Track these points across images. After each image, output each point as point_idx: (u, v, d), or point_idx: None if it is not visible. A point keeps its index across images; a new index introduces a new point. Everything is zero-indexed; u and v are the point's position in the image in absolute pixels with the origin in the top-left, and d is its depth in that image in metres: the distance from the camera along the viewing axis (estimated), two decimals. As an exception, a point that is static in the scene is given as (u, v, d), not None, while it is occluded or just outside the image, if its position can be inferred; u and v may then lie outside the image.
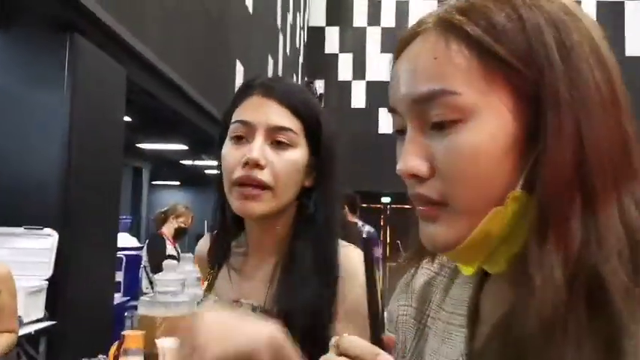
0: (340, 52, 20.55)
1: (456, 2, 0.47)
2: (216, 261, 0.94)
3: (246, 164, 0.80)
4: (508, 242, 0.46)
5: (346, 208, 4.48)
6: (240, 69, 7.27)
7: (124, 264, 5.04)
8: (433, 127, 0.46)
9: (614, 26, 19.33)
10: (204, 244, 1.00)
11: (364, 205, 14.23)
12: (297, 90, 0.87)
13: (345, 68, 20.40)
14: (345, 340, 0.45)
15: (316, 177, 0.86)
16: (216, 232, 0.94)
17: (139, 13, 3.86)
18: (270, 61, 10.06)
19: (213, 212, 0.91)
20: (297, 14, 15.17)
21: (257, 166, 0.79)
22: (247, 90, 0.87)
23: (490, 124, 0.44)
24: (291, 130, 0.82)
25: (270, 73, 10.09)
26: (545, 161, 0.43)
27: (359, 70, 20.24)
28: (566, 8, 0.46)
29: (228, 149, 0.84)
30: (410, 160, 0.46)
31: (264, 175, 0.80)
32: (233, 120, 0.85)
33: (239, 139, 0.83)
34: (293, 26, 13.96)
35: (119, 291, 4.71)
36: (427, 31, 0.47)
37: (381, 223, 13.77)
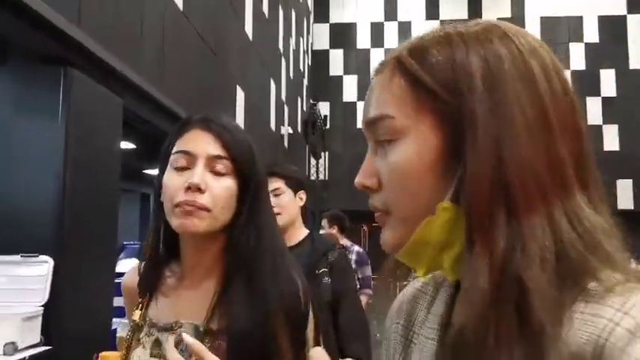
0: (345, 74, 20.78)
1: (413, 41, 0.55)
2: (148, 288, 0.98)
3: (188, 189, 0.87)
4: (448, 248, 0.50)
5: (336, 228, 4.51)
6: (241, 94, 7.41)
7: (128, 289, 5.11)
8: (379, 146, 0.54)
9: (616, 40, 19.35)
10: (132, 276, 1.03)
11: (374, 225, 14.29)
12: (229, 125, 0.95)
13: (349, 89, 20.60)
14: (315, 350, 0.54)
15: (246, 205, 0.92)
16: (147, 260, 1.00)
17: (136, 45, 3.99)
18: (273, 84, 10.22)
19: (151, 237, 0.98)
20: (301, 39, 15.40)
21: (198, 190, 0.87)
22: (187, 125, 0.96)
23: (416, 144, 0.51)
24: (227, 159, 0.91)
25: (273, 97, 10.22)
26: (465, 177, 0.47)
27: (363, 91, 20.28)
28: (505, 37, 0.51)
29: (171, 176, 0.91)
30: (361, 175, 0.55)
31: (204, 199, 0.88)
32: (175, 151, 0.94)
33: (181, 169, 0.91)
34: (296, 50, 14.16)
35: (123, 316, 4.76)
36: (386, 67, 0.56)
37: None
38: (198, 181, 0.87)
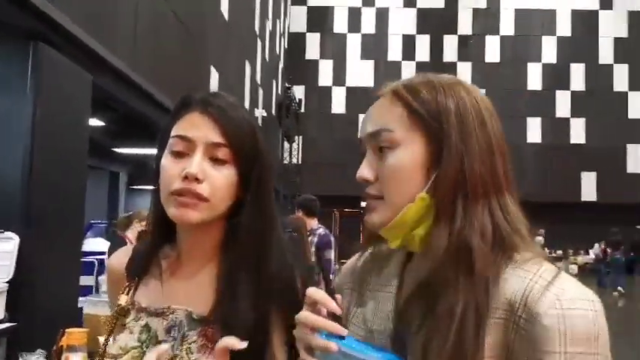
0: (321, 58, 20.70)
1: (403, 81, 0.77)
2: (138, 272, 0.93)
3: (185, 178, 0.83)
4: (420, 227, 0.72)
5: (301, 212, 4.54)
6: (215, 75, 7.35)
7: (96, 268, 5.08)
8: (379, 151, 0.74)
9: (587, 35, 19.70)
10: (120, 258, 0.98)
11: (345, 210, 14.29)
12: (232, 108, 0.89)
13: (325, 74, 20.54)
14: (309, 290, 0.70)
15: (249, 193, 0.88)
16: (142, 242, 0.97)
17: (109, 21, 3.93)
18: (248, 66, 10.15)
19: (150, 219, 0.94)
20: (277, 21, 15.27)
21: (196, 180, 0.83)
22: (186, 106, 0.89)
23: (409, 152, 0.72)
24: (226, 146, 0.85)
25: (247, 79, 10.16)
26: (440, 177, 0.70)
27: (339, 76, 20.41)
28: (466, 90, 0.75)
29: (168, 162, 0.86)
30: (364, 171, 0.75)
31: (202, 188, 0.84)
32: (173, 134, 0.87)
33: (179, 154, 0.86)
34: (272, 32, 14.05)
35: (90, 294, 4.74)
36: (385, 95, 0.77)
37: (360, 227, 13.88)
38: (195, 171, 0.82)
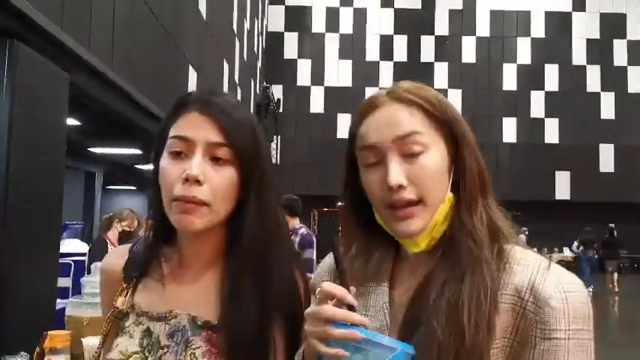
0: (299, 58, 20.68)
1: (398, 87, 0.80)
2: (134, 274, 0.91)
3: (186, 180, 0.81)
4: (441, 225, 0.78)
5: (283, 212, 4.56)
6: (193, 74, 7.31)
7: (72, 270, 5.01)
8: (407, 157, 0.77)
9: (561, 36, 20.06)
10: (115, 259, 0.95)
11: (324, 210, 14.30)
12: (232, 106, 0.86)
13: (303, 74, 20.53)
14: (324, 284, 0.71)
15: (251, 194, 0.86)
16: (140, 243, 0.94)
17: (85, 19, 3.88)
18: (226, 65, 10.10)
19: (154, 222, 0.91)
20: (255, 20, 15.22)
21: (196, 182, 0.80)
22: (184, 106, 0.86)
23: (438, 154, 0.78)
24: (226, 146, 0.83)
25: (225, 78, 10.11)
26: (466, 176, 0.78)
27: (317, 76, 20.42)
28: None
29: (168, 163, 0.84)
30: (399, 177, 0.75)
31: (202, 193, 0.81)
32: (171, 135, 0.85)
33: (178, 155, 0.83)
34: (251, 32, 14.01)
35: (66, 296, 4.67)
36: (386, 102, 0.79)
37: (338, 226, 13.91)
38: (196, 173, 0.80)
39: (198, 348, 0.82)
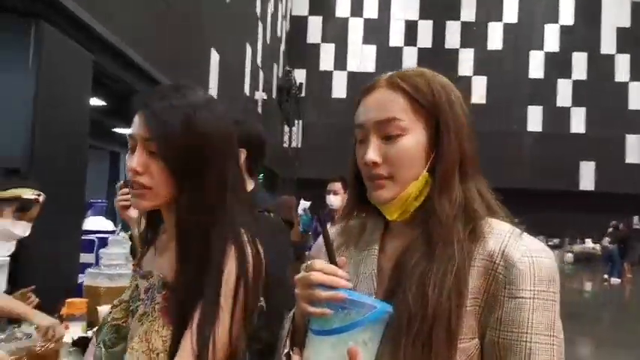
0: (322, 42, 20.59)
1: (399, 73, 0.88)
2: (144, 242, 1.11)
3: (130, 171, 0.98)
4: (416, 200, 0.85)
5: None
6: (215, 57, 7.35)
7: (96, 246, 5.14)
8: (386, 138, 0.85)
9: (590, 25, 19.55)
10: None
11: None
12: (160, 106, 0.97)
13: (326, 58, 20.45)
14: (314, 262, 0.81)
15: (186, 182, 0.97)
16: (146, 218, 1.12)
17: (108, 1, 3.94)
18: (249, 49, 10.12)
19: None
20: (279, 3, 15.17)
21: (136, 172, 0.96)
22: (138, 103, 1.02)
23: (415, 138, 0.85)
24: (154, 140, 0.96)
25: (248, 61, 10.14)
26: (442, 156, 0.84)
27: (340, 61, 20.32)
28: (449, 83, 0.89)
29: (127, 156, 1.01)
30: (374, 155, 0.85)
31: (143, 180, 0.97)
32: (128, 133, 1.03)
33: (131, 149, 1.00)
34: (274, 15, 13.97)
35: (89, 271, 4.80)
36: (381, 87, 0.88)
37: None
38: (134, 166, 0.96)
39: (157, 303, 0.97)
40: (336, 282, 0.78)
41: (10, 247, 2.82)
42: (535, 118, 19.72)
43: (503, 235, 0.82)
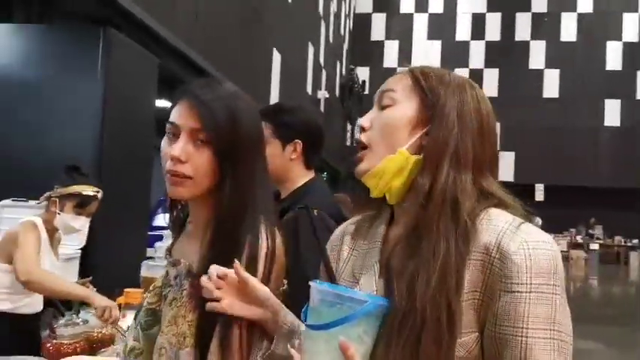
0: (386, 39, 20.44)
1: (423, 66, 0.91)
2: (175, 230, 1.14)
3: (172, 159, 0.98)
4: (396, 179, 0.83)
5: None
6: (277, 57, 7.47)
7: (163, 241, 5.39)
8: (380, 108, 0.88)
9: None
10: None
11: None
12: (207, 96, 1.00)
13: (390, 55, 20.28)
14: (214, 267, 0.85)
15: (228, 173, 0.99)
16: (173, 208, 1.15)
17: (171, 5, 4.10)
18: (311, 48, 10.21)
19: None
20: (343, 2, 15.19)
21: (179, 161, 0.97)
22: (178, 96, 1.04)
23: (402, 110, 0.86)
24: (204, 130, 0.98)
25: (310, 60, 10.24)
26: (431, 137, 0.83)
27: (405, 57, 20.09)
28: (472, 86, 0.88)
29: (163, 143, 1.02)
30: (363, 119, 0.89)
31: (185, 168, 0.97)
32: (169, 120, 1.03)
33: (171, 137, 1.00)
34: (337, 14, 14.00)
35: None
36: (404, 71, 0.91)
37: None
38: (178, 154, 0.97)
39: (185, 290, 1.01)
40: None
41: (81, 241, 3.01)
42: (613, 113, 18.68)
43: (500, 227, 0.79)
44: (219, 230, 1.00)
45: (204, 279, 0.92)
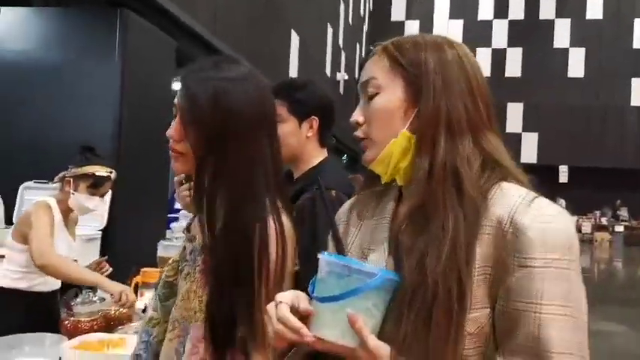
0: (407, 19, 20.16)
1: (394, 39, 0.87)
2: (192, 210, 1.19)
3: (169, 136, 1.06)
4: (403, 160, 0.83)
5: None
6: (295, 39, 7.43)
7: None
8: (369, 99, 0.85)
9: None
10: None
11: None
12: (192, 79, 1.03)
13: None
14: (280, 307, 0.75)
15: (211, 154, 1.02)
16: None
17: (189, -13, 4.09)
18: (330, 30, 10.12)
19: None
20: (362, -18, 15.01)
21: (174, 140, 1.04)
22: (181, 73, 1.10)
23: (390, 96, 0.84)
24: (186, 109, 1.02)
25: (329, 42, 10.16)
26: (420, 113, 0.81)
27: (425, 38, 19.65)
28: (451, 45, 0.85)
29: (172, 123, 1.07)
30: (356, 115, 0.87)
31: (178, 146, 1.04)
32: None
33: (175, 117, 1.06)
34: (356, -6, 13.85)
35: (177, 248, 5.10)
36: (376, 52, 0.87)
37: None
38: (172, 133, 1.03)
39: (198, 265, 1.05)
40: (291, 337, 0.73)
41: (102, 222, 3.06)
42: (639, 92, 18.22)
43: (514, 200, 0.77)
44: (207, 213, 1.01)
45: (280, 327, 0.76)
